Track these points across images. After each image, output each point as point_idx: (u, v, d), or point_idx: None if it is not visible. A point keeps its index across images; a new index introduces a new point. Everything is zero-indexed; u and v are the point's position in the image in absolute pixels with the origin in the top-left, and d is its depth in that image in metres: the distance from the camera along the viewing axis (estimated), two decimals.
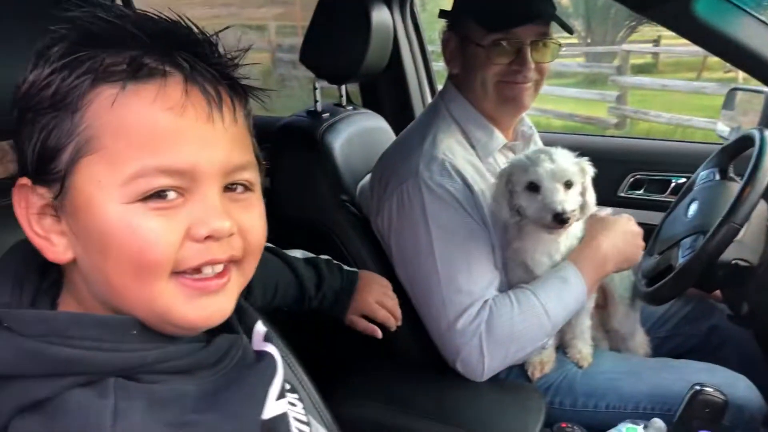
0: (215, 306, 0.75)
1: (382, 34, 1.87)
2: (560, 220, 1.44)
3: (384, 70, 2.04)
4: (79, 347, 0.67)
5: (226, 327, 0.80)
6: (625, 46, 11.80)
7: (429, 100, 2.57)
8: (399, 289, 1.64)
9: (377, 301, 1.47)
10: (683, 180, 2.23)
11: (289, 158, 1.80)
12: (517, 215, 1.53)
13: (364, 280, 1.49)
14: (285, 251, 1.43)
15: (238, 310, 0.83)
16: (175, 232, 0.69)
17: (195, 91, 0.70)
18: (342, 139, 1.84)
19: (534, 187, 1.48)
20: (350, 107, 2.11)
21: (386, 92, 2.51)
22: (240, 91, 0.76)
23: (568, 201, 1.45)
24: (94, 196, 0.68)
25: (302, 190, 1.77)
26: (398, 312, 1.49)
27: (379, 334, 1.46)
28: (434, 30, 2.60)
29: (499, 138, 1.69)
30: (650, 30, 14.38)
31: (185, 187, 0.70)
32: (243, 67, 0.77)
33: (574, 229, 1.61)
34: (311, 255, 1.49)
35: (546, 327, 1.52)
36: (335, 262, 1.50)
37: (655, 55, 13.45)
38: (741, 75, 10.91)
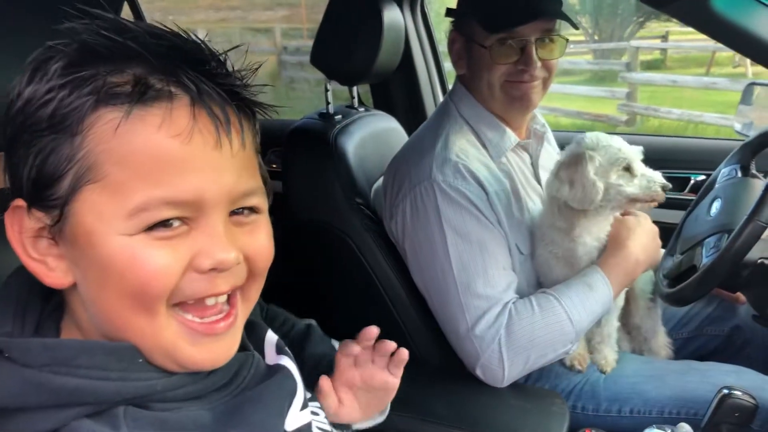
0: (223, 348, 0.73)
1: (394, 33, 1.84)
2: (666, 190, 1.50)
3: (395, 71, 2.00)
4: (86, 377, 0.64)
5: None
6: (634, 43, 11.71)
7: (441, 99, 2.53)
8: (416, 294, 1.63)
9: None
10: (702, 177, 2.19)
11: (302, 161, 1.77)
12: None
13: None
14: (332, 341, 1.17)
15: (246, 325, 0.81)
16: (178, 263, 0.66)
17: (202, 115, 0.66)
18: (355, 141, 1.81)
19: (629, 168, 1.50)
20: (362, 108, 2.07)
21: (398, 93, 2.49)
22: (248, 111, 0.73)
23: None
24: (95, 227, 0.65)
25: (315, 194, 1.73)
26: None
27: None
28: (440, 30, 2.57)
29: (511, 137, 1.65)
30: (658, 26, 14.33)
31: (190, 217, 0.67)
32: (251, 85, 0.74)
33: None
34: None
35: (569, 334, 1.49)
36: None
37: (663, 51, 13.38)
38: (750, 70, 10.87)
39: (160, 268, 0.65)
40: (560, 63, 1.64)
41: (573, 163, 1.51)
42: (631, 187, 1.50)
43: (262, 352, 0.87)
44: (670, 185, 1.51)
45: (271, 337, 0.90)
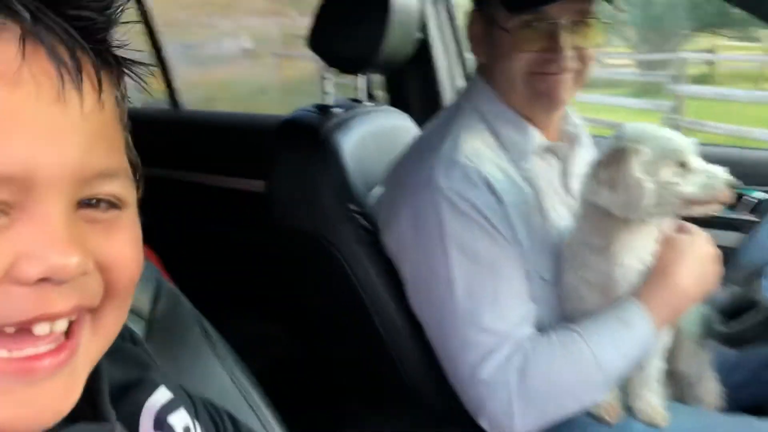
0: (46, 399, 0.47)
1: (406, 14, 1.61)
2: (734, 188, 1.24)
3: (411, 61, 1.78)
4: None
5: (88, 409, 0.52)
6: (682, 54, 11.42)
7: None
8: (413, 320, 1.38)
9: None
10: (758, 194, 1.89)
11: (289, 159, 1.55)
12: None
13: None
14: None
15: (122, 384, 0.56)
16: None
17: (39, 54, 0.45)
18: (354, 139, 1.58)
19: (683, 164, 1.24)
20: (370, 103, 1.84)
21: (413, 87, 2.24)
22: (111, 62, 0.50)
23: None
24: None
25: (303, 197, 1.51)
26: None
27: None
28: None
29: (536, 138, 1.40)
30: (704, 40, 13.99)
31: (13, 202, 0.44)
32: (121, 28, 0.51)
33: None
34: None
35: (596, 381, 1.23)
36: None
37: (711, 65, 13.01)
38: None
39: None
40: (604, 74, 1.40)
41: (614, 159, 1.24)
42: (690, 186, 1.23)
43: (135, 425, 0.61)
44: (739, 182, 1.23)
45: (155, 402, 0.64)
